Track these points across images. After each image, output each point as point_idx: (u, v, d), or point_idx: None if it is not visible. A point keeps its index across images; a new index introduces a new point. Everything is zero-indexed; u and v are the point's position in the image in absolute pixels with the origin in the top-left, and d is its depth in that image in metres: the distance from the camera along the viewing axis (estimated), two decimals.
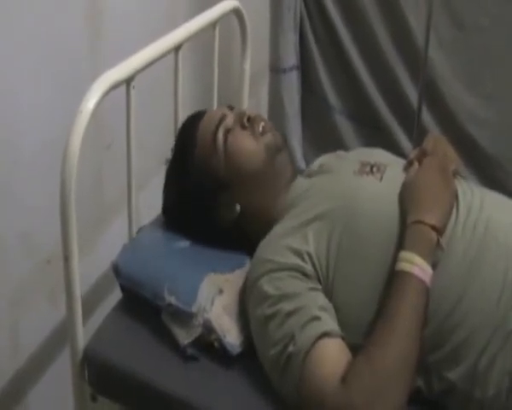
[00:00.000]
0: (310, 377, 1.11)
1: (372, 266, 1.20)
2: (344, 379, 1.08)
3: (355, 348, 1.12)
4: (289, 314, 1.16)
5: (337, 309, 1.20)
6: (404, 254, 1.14)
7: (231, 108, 1.48)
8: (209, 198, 1.39)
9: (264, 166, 1.37)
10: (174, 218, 1.48)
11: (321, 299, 1.20)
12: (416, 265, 1.13)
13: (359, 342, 1.13)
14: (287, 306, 1.17)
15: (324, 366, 1.11)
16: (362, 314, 1.19)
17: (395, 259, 1.16)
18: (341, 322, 1.18)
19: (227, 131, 1.38)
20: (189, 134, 1.44)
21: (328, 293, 1.21)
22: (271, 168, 1.38)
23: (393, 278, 1.14)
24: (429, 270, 1.13)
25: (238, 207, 1.38)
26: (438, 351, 1.16)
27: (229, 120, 1.41)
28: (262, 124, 1.40)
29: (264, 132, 1.39)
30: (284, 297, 1.18)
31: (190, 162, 1.41)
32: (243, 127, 1.39)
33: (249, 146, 1.37)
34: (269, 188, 1.38)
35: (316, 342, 1.13)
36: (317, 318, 1.16)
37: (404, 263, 1.14)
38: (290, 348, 1.14)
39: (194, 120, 1.46)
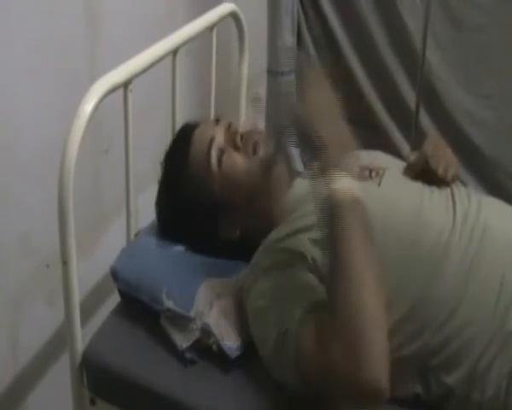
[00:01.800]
0: (305, 349, 1.08)
1: None
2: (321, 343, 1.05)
3: None
4: (287, 301, 1.15)
5: None
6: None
7: (217, 120, 1.44)
8: (209, 222, 1.37)
9: (260, 184, 1.35)
10: (173, 234, 1.46)
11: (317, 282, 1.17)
12: (337, 191, 1.05)
13: None
14: (284, 296, 1.17)
15: (315, 338, 1.07)
16: None
17: (393, 261, 1.17)
18: None
19: (220, 153, 1.36)
20: (180, 156, 1.41)
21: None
22: (268, 184, 1.36)
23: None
24: (354, 183, 1.05)
25: (238, 231, 1.38)
26: (436, 357, 1.16)
27: (220, 138, 1.37)
28: (254, 141, 1.38)
29: (256, 150, 1.37)
30: (281, 290, 1.18)
31: (185, 186, 1.38)
32: (236, 148, 1.37)
33: (244, 167, 1.35)
34: (267, 203, 1.36)
35: (309, 315, 1.10)
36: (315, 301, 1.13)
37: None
38: (287, 325, 1.11)
39: (184, 139, 1.43)
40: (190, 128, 1.45)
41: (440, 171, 1.33)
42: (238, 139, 1.37)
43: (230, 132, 1.39)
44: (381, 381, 0.98)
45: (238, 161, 1.36)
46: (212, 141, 1.37)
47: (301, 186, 1.40)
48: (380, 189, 1.31)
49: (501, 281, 1.17)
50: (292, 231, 1.26)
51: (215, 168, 1.35)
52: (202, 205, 1.36)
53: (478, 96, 2.10)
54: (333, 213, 1.05)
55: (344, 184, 1.05)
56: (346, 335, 1.00)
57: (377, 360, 0.99)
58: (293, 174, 1.47)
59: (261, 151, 1.37)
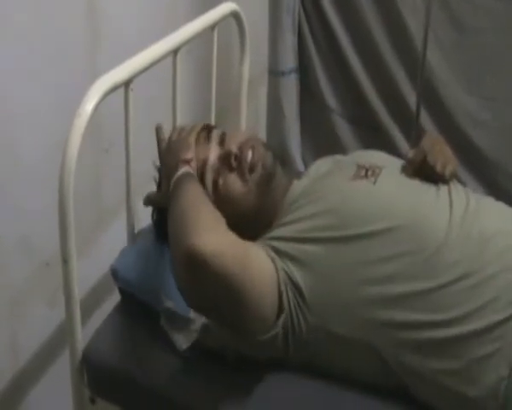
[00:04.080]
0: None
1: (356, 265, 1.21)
2: None
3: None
4: None
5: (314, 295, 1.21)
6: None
7: (210, 128, 1.41)
8: None
9: (257, 205, 1.33)
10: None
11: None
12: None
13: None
14: None
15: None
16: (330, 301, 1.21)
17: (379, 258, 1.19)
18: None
19: (216, 175, 1.33)
20: None
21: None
22: (265, 202, 1.34)
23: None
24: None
25: None
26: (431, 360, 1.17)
27: (214, 158, 1.34)
28: (249, 158, 1.34)
29: (252, 169, 1.33)
30: None
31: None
32: (231, 169, 1.33)
33: (240, 192, 1.32)
34: (265, 217, 1.35)
35: None
36: None
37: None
38: None
39: None
40: None
41: (438, 167, 1.33)
42: (232, 160, 1.33)
43: (225, 151, 1.35)
44: (205, 247, 1.06)
45: (234, 185, 1.32)
46: (205, 163, 1.33)
47: (298, 189, 1.40)
48: (374, 187, 1.31)
49: (498, 282, 1.17)
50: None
51: (210, 191, 1.32)
52: None
53: (478, 97, 2.10)
54: (175, 183, 1.24)
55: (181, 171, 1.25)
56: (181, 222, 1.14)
57: (200, 231, 1.09)
58: (291, 179, 1.45)
59: (258, 170, 1.34)
